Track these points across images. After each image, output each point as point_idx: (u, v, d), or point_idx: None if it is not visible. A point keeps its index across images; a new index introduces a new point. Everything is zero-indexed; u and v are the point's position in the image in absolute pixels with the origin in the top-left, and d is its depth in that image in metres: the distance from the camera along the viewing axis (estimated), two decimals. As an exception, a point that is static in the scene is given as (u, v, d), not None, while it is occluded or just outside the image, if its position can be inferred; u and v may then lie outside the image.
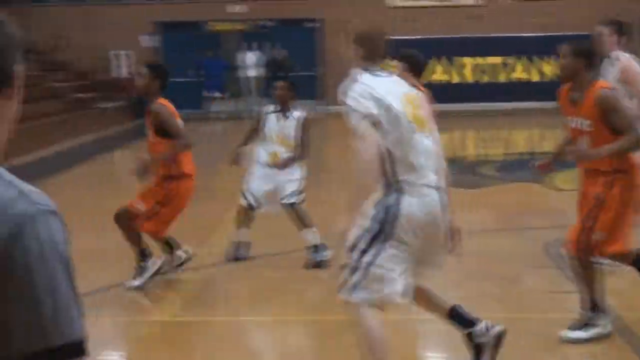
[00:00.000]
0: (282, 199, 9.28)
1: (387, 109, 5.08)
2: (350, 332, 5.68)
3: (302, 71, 29.69)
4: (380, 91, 5.13)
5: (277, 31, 30.79)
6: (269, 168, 9.32)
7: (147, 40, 30.77)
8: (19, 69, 1.93)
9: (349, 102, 5.11)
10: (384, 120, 5.06)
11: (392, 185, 5.13)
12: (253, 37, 30.75)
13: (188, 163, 8.51)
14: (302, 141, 9.37)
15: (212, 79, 30.24)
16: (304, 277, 8.81)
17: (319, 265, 9.06)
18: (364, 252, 5.11)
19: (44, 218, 1.82)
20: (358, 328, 5.24)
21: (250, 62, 30.17)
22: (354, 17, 31.15)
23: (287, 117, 9.38)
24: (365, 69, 5.29)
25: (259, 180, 9.36)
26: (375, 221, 5.12)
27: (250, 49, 30.34)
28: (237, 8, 30.75)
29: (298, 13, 30.64)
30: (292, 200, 9.25)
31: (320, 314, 7.61)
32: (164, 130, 8.30)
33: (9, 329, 1.79)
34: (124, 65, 30.57)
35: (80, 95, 26.81)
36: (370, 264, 5.09)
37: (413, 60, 7.79)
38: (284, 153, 9.31)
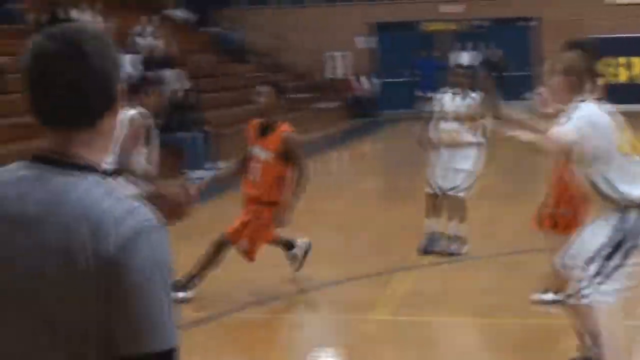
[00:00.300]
0: (451, 189, 9.59)
1: (609, 140, 5.46)
2: (565, 337, 5.58)
3: (516, 71, 29.25)
4: (603, 123, 5.49)
5: (492, 31, 30.44)
6: (444, 150, 9.62)
7: (362, 42, 31.10)
8: (120, 87, 2.09)
9: (572, 125, 5.45)
10: (604, 150, 5.45)
11: (628, 205, 5.51)
12: (467, 36, 30.54)
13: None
14: (479, 120, 9.61)
15: (426, 79, 30.19)
16: (516, 278, 8.67)
17: (450, 254, 9.54)
18: (608, 258, 5.49)
19: (153, 232, 1.97)
20: (597, 330, 5.47)
21: (464, 62, 29.97)
22: (572, 15, 30.35)
23: (464, 97, 9.64)
24: (581, 100, 5.55)
25: (438, 165, 9.68)
26: (619, 231, 5.51)
27: (464, 48, 30.14)
28: (452, 8, 30.62)
29: (513, 12, 30.20)
30: (460, 194, 9.61)
31: (529, 317, 7.50)
32: (286, 155, 8.12)
33: (112, 334, 1.95)
34: (339, 66, 31.02)
35: (297, 96, 27.42)
36: (613, 269, 5.48)
37: (590, 49, 7.41)
38: (458, 130, 9.57)
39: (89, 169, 2.03)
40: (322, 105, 28.19)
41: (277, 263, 9.61)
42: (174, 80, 18.63)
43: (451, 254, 9.61)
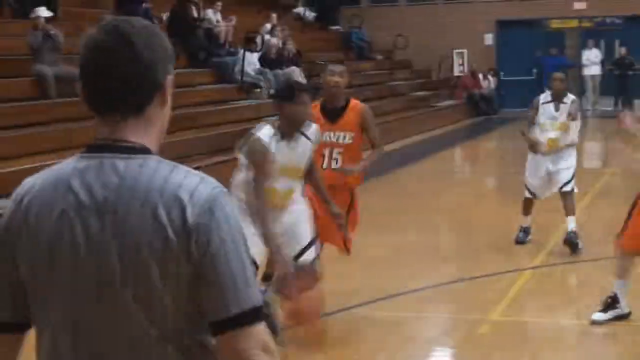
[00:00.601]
0: (561, 187, 10.03)
1: None
2: None
3: (645, 70, 28.53)
4: None
5: (620, 28, 29.78)
6: (544, 156, 10.03)
7: (490, 39, 30.84)
8: (169, 78, 2.18)
9: None
10: None
11: None
12: (594, 34, 29.94)
13: None
14: (571, 125, 10.06)
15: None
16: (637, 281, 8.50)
17: (574, 245, 9.77)
18: None
19: (225, 197, 2.10)
20: None
21: (590, 60, 29.40)
22: None
23: (559, 106, 9.99)
24: None
25: (534, 172, 10.19)
26: None
27: (590, 46, 29.55)
28: (579, 5, 30.08)
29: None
30: (569, 188, 10.01)
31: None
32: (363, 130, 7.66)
33: (201, 302, 2.06)
34: (461, 64, 30.80)
35: (418, 93, 27.39)
36: None
37: None
38: (558, 139, 10.00)
39: (145, 151, 2.14)
40: (443, 103, 28.09)
41: (391, 261, 9.66)
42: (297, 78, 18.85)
43: (573, 247, 9.79)
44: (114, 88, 2.11)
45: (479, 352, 6.98)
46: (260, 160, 6.27)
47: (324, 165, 7.51)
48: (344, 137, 7.57)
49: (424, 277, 8.93)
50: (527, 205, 10.32)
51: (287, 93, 6.49)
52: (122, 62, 2.10)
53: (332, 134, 7.55)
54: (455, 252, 10.32)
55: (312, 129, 6.60)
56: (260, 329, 2.08)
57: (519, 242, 10.24)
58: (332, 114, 7.57)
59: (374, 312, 7.95)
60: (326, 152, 7.53)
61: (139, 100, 2.14)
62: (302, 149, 6.51)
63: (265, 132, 6.34)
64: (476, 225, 11.82)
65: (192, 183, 2.08)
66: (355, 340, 7.20)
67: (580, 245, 9.78)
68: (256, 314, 2.07)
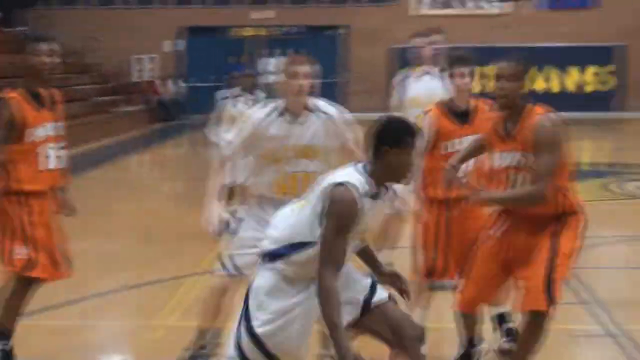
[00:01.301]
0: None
1: None
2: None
3: (324, 78, 29.75)
4: None
5: (302, 38, 30.87)
6: None
7: (170, 45, 30.97)
8: None
9: None
10: None
11: None
12: (278, 43, 30.84)
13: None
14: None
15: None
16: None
17: None
18: None
19: None
20: None
21: (272, 68, 30.26)
22: (378, 24, 31.15)
23: (248, 100, 10.69)
24: None
25: None
26: None
27: (273, 55, 30.43)
28: (262, 14, 30.87)
29: (323, 20, 30.71)
30: None
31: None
32: None
33: None
34: (146, 69, 30.77)
35: (102, 98, 27.04)
36: None
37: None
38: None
39: None
40: (127, 108, 27.93)
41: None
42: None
43: None
44: None
45: (149, 359, 6.94)
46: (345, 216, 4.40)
47: (40, 167, 6.11)
48: (63, 129, 6.28)
49: (90, 285, 8.69)
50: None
51: (395, 136, 4.52)
52: None
53: (53, 125, 6.16)
54: (129, 259, 10.21)
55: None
56: None
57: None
58: (48, 101, 6.17)
59: (44, 322, 7.70)
60: (42, 149, 6.13)
61: None
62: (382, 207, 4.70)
63: (357, 179, 4.47)
64: (154, 230, 11.79)
65: None
66: (26, 350, 6.93)
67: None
68: None
